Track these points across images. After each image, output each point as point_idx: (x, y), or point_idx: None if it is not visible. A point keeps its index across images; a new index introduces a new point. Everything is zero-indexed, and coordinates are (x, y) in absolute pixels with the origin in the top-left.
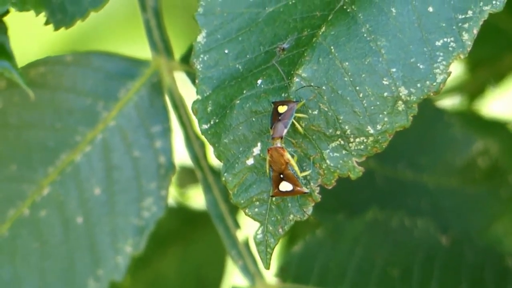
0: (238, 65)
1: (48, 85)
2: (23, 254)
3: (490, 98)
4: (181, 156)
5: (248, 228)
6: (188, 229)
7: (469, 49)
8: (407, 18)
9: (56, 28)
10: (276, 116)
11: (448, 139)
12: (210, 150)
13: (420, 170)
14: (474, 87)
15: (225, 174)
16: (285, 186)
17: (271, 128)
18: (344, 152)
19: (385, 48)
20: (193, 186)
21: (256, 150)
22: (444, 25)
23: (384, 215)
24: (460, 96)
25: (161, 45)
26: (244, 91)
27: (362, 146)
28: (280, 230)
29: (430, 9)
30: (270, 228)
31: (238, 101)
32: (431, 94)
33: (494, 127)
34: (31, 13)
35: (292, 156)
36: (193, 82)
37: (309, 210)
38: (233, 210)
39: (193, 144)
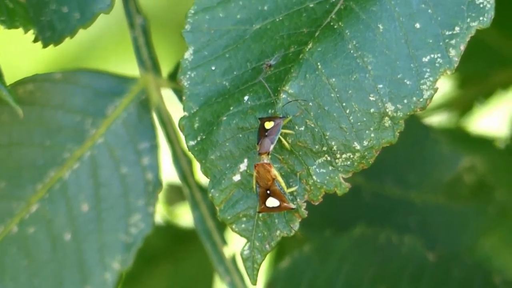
0: (225, 81)
1: (36, 102)
2: (13, 271)
3: (478, 115)
4: (169, 173)
5: (235, 245)
6: (176, 247)
7: (456, 65)
8: (394, 34)
9: (45, 45)
10: (262, 132)
11: (435, 155)
12: (197, 166)
13: (408, 187)
14: (462, 104)
15: (212, 190)
16: (271, 202)
17: (257, 144)
18: (330, 168)
19: (372, 64)
20: (181, 203)
21: (243, 166)
22: (431, 41)
23: (372, 232)
24: (448, 113)
25: (149, 62)
26: (231, 108)
27: (349, 162)
28: (267, 246)
29: (417, 25)
30: (257, 244)
31: (225, 118)
32: (418, 110)
33: (482, 143)
34: (20, 30)
35: (279, 173)
36: (180, 99)
37: (296, 226)
38: (221, 226)
39: (180, 160)
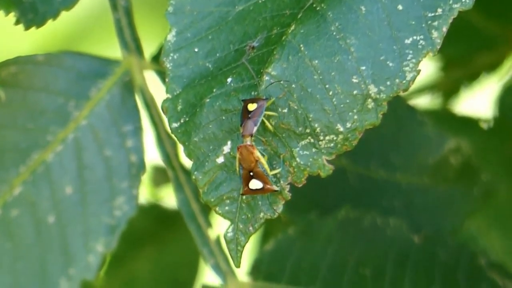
0: (208, 63)
1: (19, 85)
2: None
3: (463, 97)
4: (154, 155)
5: (220, 227)
6: (161, 229)
7: (438, 47)
8: (376, 16)
9: (27, 27)
10: (246, 114)
11: (420, 137)
12: (181, 149)
13: (393, 169)
14: (447, 86)
15: (195, 172)
16: (255, 184)
17: (241, 126)
18: (314, 150)
19: (355, 46)
20: (166, 185)
21: (226, 148)
22: (413, 23)
23: (357, 214)
24: (433, 95)
25: (132, 44)
26: (214, 90)
27: (332, 144)
28: (251, 228)
29: (400, 7)
30: (241, 226)
31: (208, 100)
32: (401, 91)
33: (467, 125)
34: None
35: (262, 155)
36: (164, 81)
37: (279, 208)
38: (205, 209)
39: (164, 143)
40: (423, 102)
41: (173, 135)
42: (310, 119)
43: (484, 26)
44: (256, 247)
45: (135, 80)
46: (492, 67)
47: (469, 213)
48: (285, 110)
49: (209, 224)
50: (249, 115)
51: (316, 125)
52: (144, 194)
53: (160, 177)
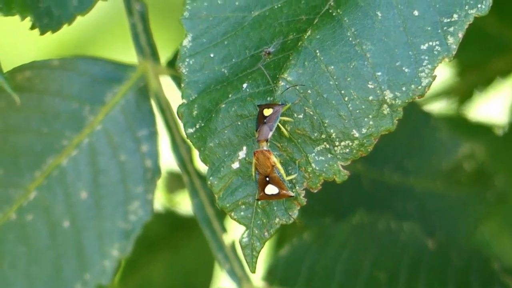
0: (223, 69)
1: (34, 89)
2: (11, 259)
3: (477, 102)
4: (168, 160)
5: (235, 232)
6: (176, 234)
7: (454, 52)
8: (392, 22)
9: (42, 32)
10: (261, 119)
11: (434, 142)
12: (196, 154)
13: (407, 174)
14: (461, 91)
15: (211, 178)
16: (271, 189)
17: (256, 131)
18: (329, 155)
19: (371, 51)
20: (180, 191)
21: (242, 154)
22: (429, 28)
23: (371, 219)
24: (447, 100)
25: (148, 49)
26: (230, 95)
27: (348, 150)
28: (266, 233)
29: (416, 13)
30: (256, 231)
31: (223, 105)
32: (416, 97)
33: (481, 130)
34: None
35: (278, 160)
36: (179, 86)
37: (295, 213)
38: (220, 214)
39: (179, 148)
40: (438, 107)
41: (188, 140)
42: (325, 124)
43: (499, 32)
44: (271, 252)
45: (151, 85)
46: (507, 72)
47: (482, 218)
48: (301, 116)
49: (224, 229)
50: (265, 121)
51: (331, 130)
52: (159, 199)
53: (175, 182)
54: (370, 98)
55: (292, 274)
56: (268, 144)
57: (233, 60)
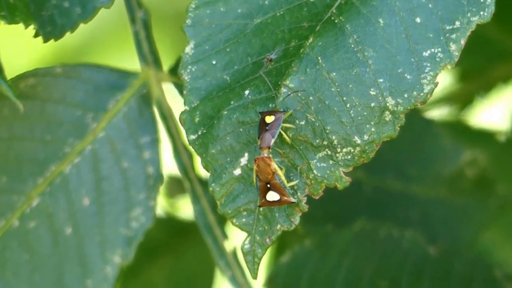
0: (225, 76)
1: (37, 97)
2: (13, 266)
3: (479, 109)
4: (170, 165)
5: (236, 239)
6: (177, 240)
7: (456, 59)
8: (394, 29)
9: (46, 40)
10: (263, 126)
11: (436, 149)
12: (198, 160)
13: (409, 181)
14: (463, 97)
15: (213, 184)
16: (272, 196)
17: (258, 138)
18: (331, 162)
19: (373, 58)
20: (182, 196)
21: (244, 160)
22: (431, 35)
23: (372, 226)
24: (449, 107)
25: (150, 56)
26: (232, 102)
27: (349, 157)
28: (268, 240)
29: (418, 20)
30: (258, 238)
31: (225, 112)
32: (418, 104)
33: (483, 137)
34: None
35: (279, 167)
36: (181, 93)
37: (297, 220)
38: (221, 220)
39: (181, 154)
40: (439, 113)
41: (190, 147)
42: (327, 131)
43: (500, 38)
44: (272, 259)
45: (153, 92)
46: (508, 78)
47: (484, 225)
48: (303, 122)
49: (225, 236)
50: (267, 127)
51: (333, 137)
52: (161, 204)
53: (176, 187)
54: (372, 104)
55: (293, 281)
56: (270, 151)
57: (235, 67)
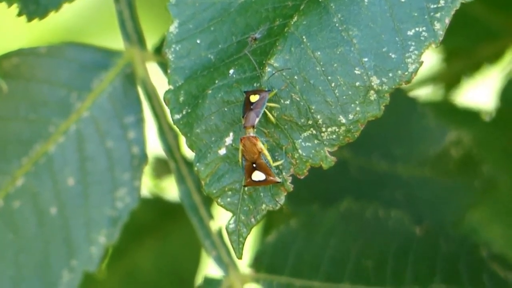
0: (210, 55)
1: (21, 76)
2: None
3: (465, 88)
4: (155, 146)
5: (222, 219)
6: (163, 221)
7: (441, 38)
8: (379, 7)
9: (29, 19)
10: (248, 106)
11: (422, 129)
12: (183, 140)
13: (394, 161)
14: (448, 77)
15: (197, 164)
16: (257, 175)
17: (243, 117)
18: (316, 141)
19: (357, 37)
20: (168, 176)
21: (228, 140)
22: (416, 14)
23: (358, 206)
24: (434, 86)
25: (134, 36)
26: (216, 81)
27: (334, 136)
28: (253, 219)
29: None
30: (243, 217)
31: (210, 91)
32: (403, 83)
33: (468, 117)
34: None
35: (264, 145)
36: (166, 72)
37: (282, 199)
38: (207, 200)
39: (166, 134)
40: (425, 93)
41: (175, 127)
42: (312, 110)
43: (486, 18)
44: (258, 239)
45: (137, 72)
46: (494, 58)
47: (470, 205)
48: (287, 102)
49: (211, 216)
50: (251, 107)
51: (318, 116)
52: (146, 185)
53: (162, 168)
54: (357, 84)
55: (279, 261)
56: (255, 130)
57: (220, 46)
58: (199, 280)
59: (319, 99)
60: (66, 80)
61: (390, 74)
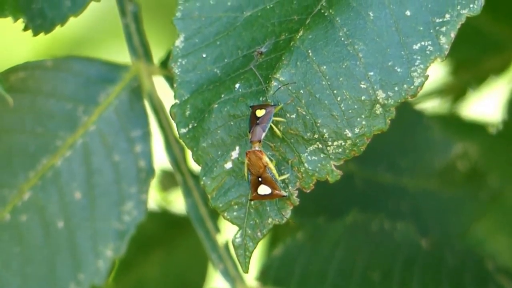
0: (216, 69)
1: (28, 90)
2: (5, 259)
3: (471, 101)
4: (162, 159)
5: (228, 232)
6: (170, 233)
7: (446, 52)
8: (384, 22)
9: (36, 33)
10: (254, 120)
11: (427, 142)
12: (189, 154)
13: (400, 173)
14: (455, 90)
15: (204, 178)
16: (263, 189)
17: (249, 132)
18: (322, 155)
19: (363, 51)
20: (175, 189)
21: (235, 154)
22: (421, 28)
23: (364, 218)
24: (440, 99)
25: (141, 49)
26: (222, 95)
27: (340, 150)
28: (259, 233)
29: (408, 12)
30: (249, 231)
31: (216, 105)
32: (409, 97)
33: (474, 129)
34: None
35: (271, 160)
36: (172, 86)
37: (288, 213)
38: (213, 214)
39: (172, 148)
40: (431, 105)
41: (181, 140)
42: (318, 124)
43: (492, 30)
44: (265, 252)
45: (144, 86)
46: (500, 70)
47: (476, 217)
48: (293, 116)
49: (217, 229)
50: (257, 121)
51: (324, 130)
52: (153, 197)
53: (168, 181)
54: (363, 98)
55: (285, 273)
56: (261, 144)
57: (226, 60)
58: None
59: (325, 113)
60: (73, 93)
61: (396, 88)
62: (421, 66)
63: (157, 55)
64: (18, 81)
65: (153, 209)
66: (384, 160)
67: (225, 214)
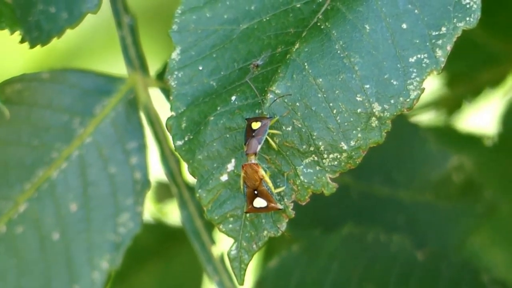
0: (212, 81)
1: (24, 102)
2: (0, 270)
3: (467, 113)
4: (158, 170)
5: (224, 244)
6: (166, 245)
7: (442, 65)
8: (380, 35)
9: (32, 46)
10: (250, 133)
11: (423, 154)
12: (185, 166)
13: (396, 186)
14: (450, 102)
15: (199, 190)
16: (259, 202)
17: (245, 144)
18: (317, 168)
19: (359, 64)
20: (170, 200)
21: (230, 166)
22: (417, 41)
23: (360, 231)
24: (436, 111)
25: (137, 61)
26: (218, 108)
27: (336, 162)
28: (254, 246)
29: (404, 26)
30: (244, 244)
31: (212, 118)
32: (405, 110)
33: (470, 142)
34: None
35: (266, 172)
36: (168, 98)
37: (283, 226)
38: (209, 226)
39: (168, 160)
40: (426, 118)
41: (177, 153)
42: (314, 137)
43: (488, 43)
44: (260, 264)
45: (140, 98)
46: (496, 83)
47: (471, 230)
48: (289, 128)
49: (213, 242)
50: (253, 134)
51: (320, 143)
52: (148, 209)
53: (164, 192)
54: (359, 110)
55: (281, 286)
56: (257, 157)
57: (222, 72)
58: None
59: (320, 125)
60: (69, 105)
61: (392, 101)
62: (417, 79)
63: (154, 67)
64: (14, 93)
65: (149, 221)
66: (380, 173)
67: (221, 227)
